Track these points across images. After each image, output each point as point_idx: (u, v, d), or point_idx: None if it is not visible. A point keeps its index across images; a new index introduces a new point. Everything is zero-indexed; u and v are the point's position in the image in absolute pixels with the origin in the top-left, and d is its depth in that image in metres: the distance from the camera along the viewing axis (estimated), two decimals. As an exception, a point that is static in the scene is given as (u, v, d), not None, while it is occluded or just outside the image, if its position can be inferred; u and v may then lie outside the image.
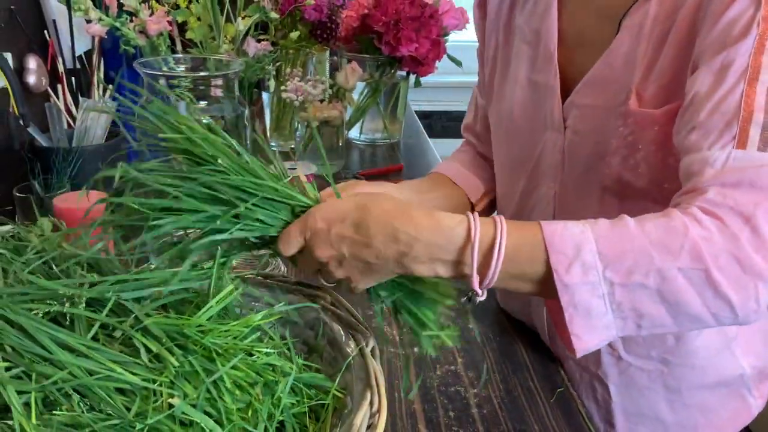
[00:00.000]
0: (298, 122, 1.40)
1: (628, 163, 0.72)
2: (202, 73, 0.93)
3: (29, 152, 1.09)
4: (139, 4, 1.22)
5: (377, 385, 0.56)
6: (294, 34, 1.35)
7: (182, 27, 1.37)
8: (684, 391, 0.83)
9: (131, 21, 1.23)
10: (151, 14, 1.21)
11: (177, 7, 1.28)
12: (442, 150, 1.58)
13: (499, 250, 0.58)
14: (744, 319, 0.58)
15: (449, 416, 0.70)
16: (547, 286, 0.58)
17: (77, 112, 1.18)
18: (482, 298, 0.61)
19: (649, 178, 0.71)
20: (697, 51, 0.64)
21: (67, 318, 0.58)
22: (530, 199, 0.86)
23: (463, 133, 1.05)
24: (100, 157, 1.11)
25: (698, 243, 0.56)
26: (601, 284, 0.56)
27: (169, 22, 1.25)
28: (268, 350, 0.55)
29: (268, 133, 1.54)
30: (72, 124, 1.21)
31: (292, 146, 1.55)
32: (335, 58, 1.64)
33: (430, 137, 1.81)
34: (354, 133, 1.65)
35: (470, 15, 1.61)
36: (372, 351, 0.61)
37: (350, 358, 0.59)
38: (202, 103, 0.96)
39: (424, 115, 2.60)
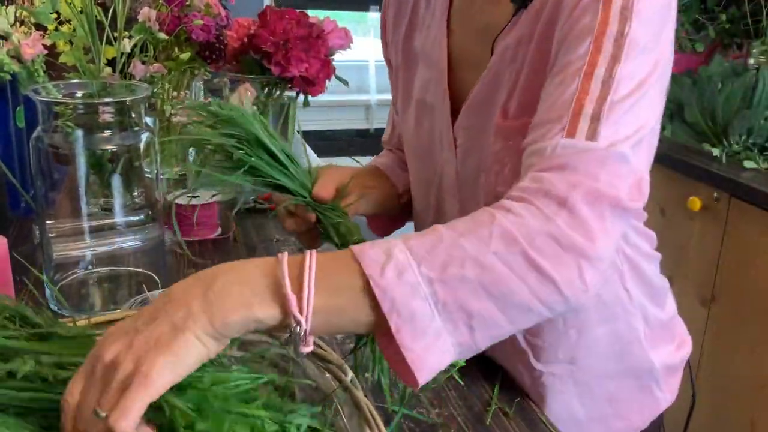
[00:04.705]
0: (189, 147, 1.33)
1: (500, 178, 0.76)
2: (113, 99, 0.86)
3: None
4: (10, 26, 1.11)
5: (374, 418, 0.53)
6: (185, 55, 1.28)
7: (53, 51, 1.27)
8: (592, 382, 0.86)
9: (1, 46, 1.11)
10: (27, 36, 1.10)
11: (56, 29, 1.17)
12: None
13: (310, 258, 0.53)
14: (574, 301, 0.57)
15: (420, 441, 0.69)
16: (369, 306, 0.53)
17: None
18: (308, 348, 0.53)
19: None
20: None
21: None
22: (442, 216, 0.89)
23: (384, 146, 1.07)
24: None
25: (508, 227, 0.55)
26: (421, 284, 0.53)
27: (45, 46, 1.15)
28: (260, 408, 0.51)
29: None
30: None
31: (179, 172, 1.47)
32: (216, 80, 1.59)
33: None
34: (243, 156, 1.59)
35: (353, 35, 1.63)
36: (352, 382, 0.59)
37: (343, 393, 0.56)
38: (107, 132, 0.88)
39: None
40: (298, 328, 0.51)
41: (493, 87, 0.76)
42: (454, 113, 0.82)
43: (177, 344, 0.48)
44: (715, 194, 1.75)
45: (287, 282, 0.51)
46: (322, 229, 0.79)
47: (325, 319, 0.53)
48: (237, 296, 0.51)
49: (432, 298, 0.53)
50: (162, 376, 0.47)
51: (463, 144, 0.81)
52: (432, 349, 0.53)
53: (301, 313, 0.51)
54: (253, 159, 0.73)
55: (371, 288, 0.52)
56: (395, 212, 1.00)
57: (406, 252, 0.54)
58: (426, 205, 0.92)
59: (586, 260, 0.55)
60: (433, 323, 0.53)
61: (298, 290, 0.51)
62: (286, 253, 0.54)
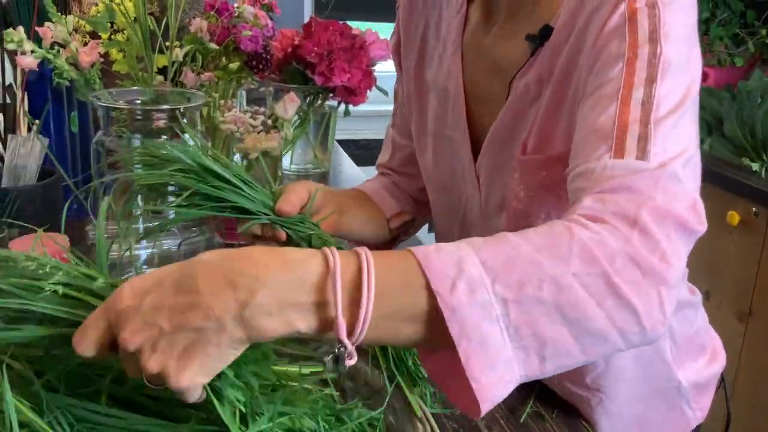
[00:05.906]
0: (234, 153, 1.37)
1: (519, 214, 0.76)
2: (171, 106, 0.90)
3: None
4: (69, 35, 1.16)
5: (425, 415, 0.55)
6: (234, 65, 1.32)
7: (106, 59, 1.31)
8: (622, 410, 0.84)
9: (60, 53, 1.16)
10: (85, 44, 1.15)
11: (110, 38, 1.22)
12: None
13: (368, 278, 0.47)
14: (651, 334, 0.52)
15: (463, 441, 0.71)
16: (431, 323, 0.48)
17: (5, 149, 1.10)
18: (352, 361, 0.47)
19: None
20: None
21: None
22: None
23: (378, 169, 1.06)
24: (38, 197, 1.04)
25: (588, 245, 0.51)
26: (493, 303, 0.48)
27: (101, 54, 1.20)
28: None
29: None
30: (-2, 162, 1.12)
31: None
32: (261, 89, 1.63)
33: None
34: (284, 163, 1.63)
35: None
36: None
37: (389, 392, 0.58)
38: (162, 138, 0.92)
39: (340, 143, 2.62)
40: (343, 349, 0.47)
41: (514, 124, 0.75)
42: (473, 147, 0.82)
43: (207, 355, 0.45)
44: (753, 209, 1.74)
45: (339, 307, 0.46)
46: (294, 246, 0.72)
47: (376, 338, 0.48)
48: (277, 315, 0.46)
49: (504, 320, 0.48)
50: (196, 386, 0.46)
51: (486, 181, 0.81)
52: (500, 379, 0.48)
53: (350, 337, 0.46)
54: (201, 186, 0.69)
55: (437, 305, 0.47)
56: (385, 238, 0.97)
57: (479, 265, 0.48)
58: (450, 236, 0.92)
59: (665, 287, 0.51)
60: (504, 351, 0.48)
61: (352, 318, 0.46)
62: (338, 257, 0.47)
